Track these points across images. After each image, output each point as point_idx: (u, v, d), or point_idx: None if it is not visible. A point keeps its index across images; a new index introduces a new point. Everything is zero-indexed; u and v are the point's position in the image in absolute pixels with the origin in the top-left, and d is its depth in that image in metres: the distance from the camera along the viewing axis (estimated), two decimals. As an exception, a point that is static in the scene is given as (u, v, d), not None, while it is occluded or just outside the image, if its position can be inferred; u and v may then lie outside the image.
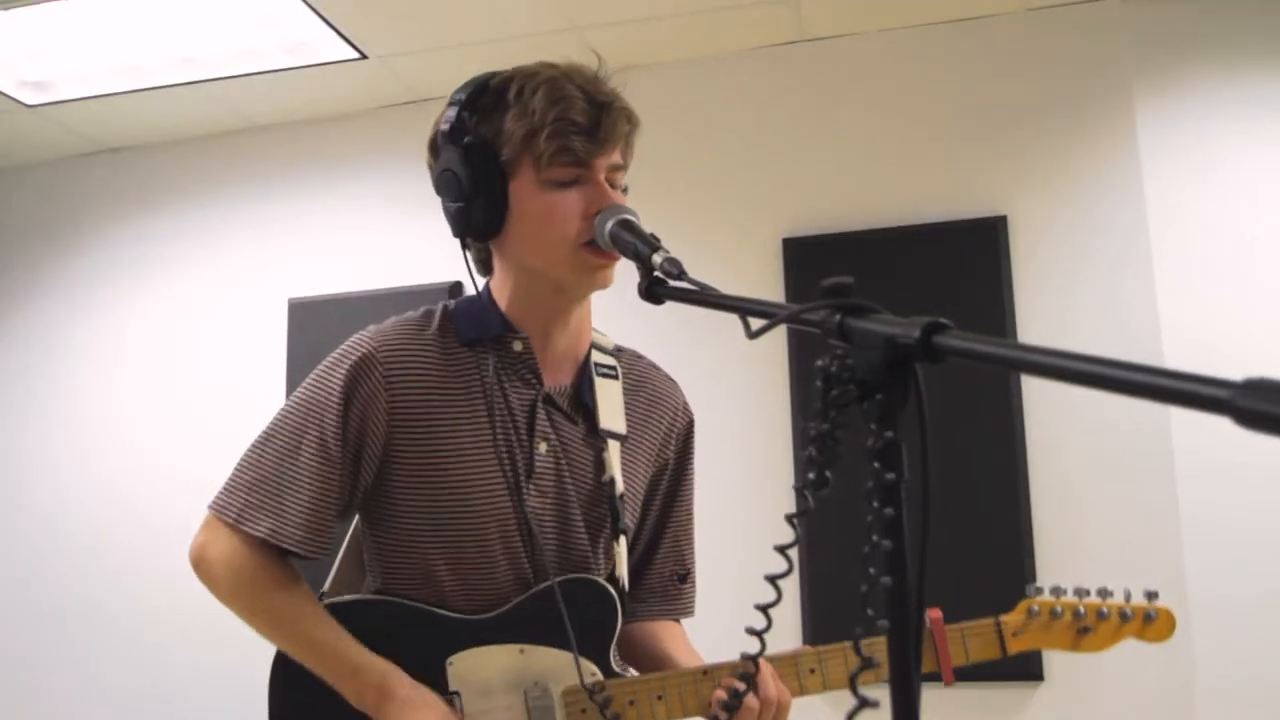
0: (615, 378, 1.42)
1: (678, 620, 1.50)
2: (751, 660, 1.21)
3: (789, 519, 0.82)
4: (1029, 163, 3.07)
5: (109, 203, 3.86)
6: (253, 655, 3.68)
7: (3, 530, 3.74)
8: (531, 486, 1.32)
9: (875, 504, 0.68)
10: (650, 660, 1.42)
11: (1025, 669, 2.78)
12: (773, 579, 0.99)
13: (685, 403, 1.52)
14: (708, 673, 1.30)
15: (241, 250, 3.70)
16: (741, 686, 1.24)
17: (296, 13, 3.02)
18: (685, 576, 1.49)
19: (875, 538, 0.68)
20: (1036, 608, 1.41)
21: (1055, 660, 2.79)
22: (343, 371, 1.30)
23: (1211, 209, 2.90)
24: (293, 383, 3.48)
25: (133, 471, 3.62)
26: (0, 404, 3.84)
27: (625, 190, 1.36)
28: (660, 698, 1.28)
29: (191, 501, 3.73)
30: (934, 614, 1.39)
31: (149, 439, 3.63)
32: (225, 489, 1.33)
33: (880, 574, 0.68)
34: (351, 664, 1.26)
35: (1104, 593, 1.42)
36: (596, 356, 1.41)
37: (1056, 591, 1.42)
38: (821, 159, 3.23)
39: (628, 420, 1.41)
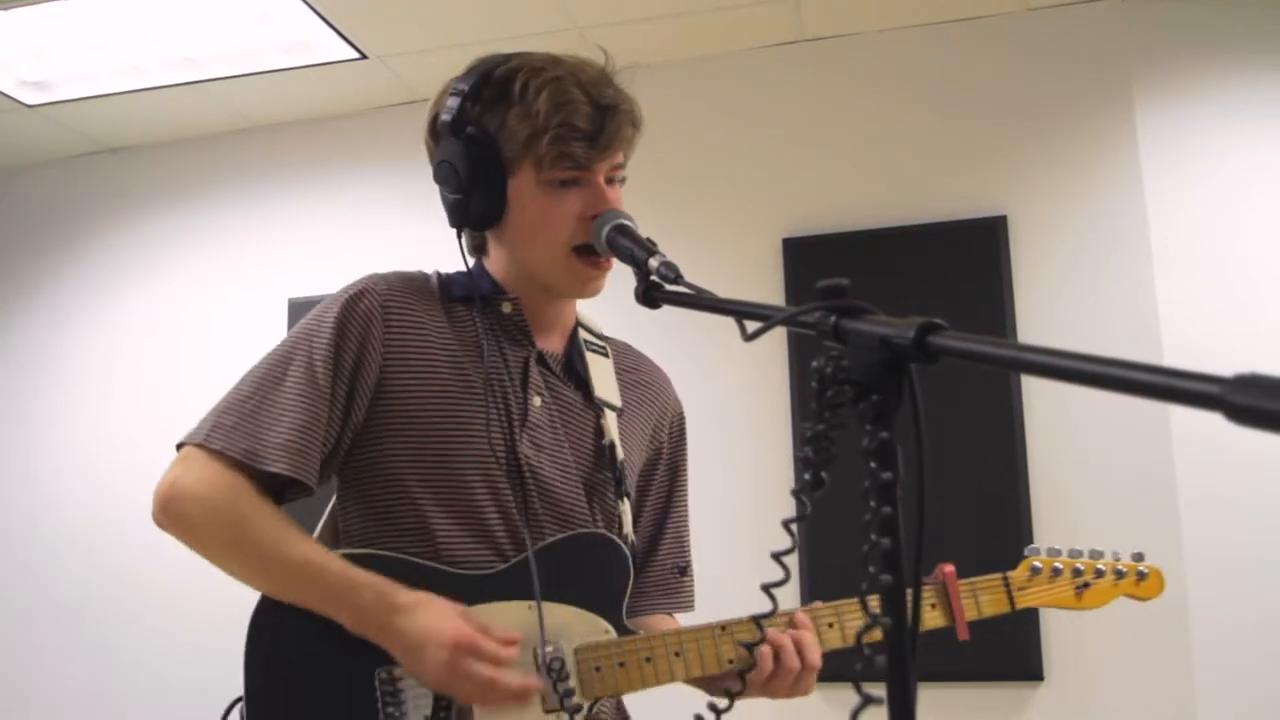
0: (605, 355, 1.45)
1: (672, 615, 1.49)
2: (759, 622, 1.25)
3: (785, 525, 0.82)
4: (1029, 163, 3.07)
5: (109, 203, 3.87)
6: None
7: (3, 528, 3.74)
8: (525, 436, 1.31)
9: (872, 504, 0.68)
10: None
11: (1025, 669, 2.78)
12: (768, 589, 0.98)
13: (675, 395, 1.54)
14: (725, 628, 1.29)
15: (241, 250, 3.70)
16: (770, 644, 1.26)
17: (296, 13, 3.02)
18: (685, 569, 1.49)
19: (873, 537, 0.68)
20: (1039, 565, 1.44)
21: (1055, 660, 2.79)
22: (339, 303, 1.29)
23: (1211, 209, 2.90)
24: (293, 383, 3.49)
25: (134, 470, 3.61)
26: (0, 402, 3.84)
27: (624, 180, 1.38)
28: (678, 654, 1.27)
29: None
30: (947, 569, 1.40)
31: (150, 438, 3.63)
32: (196, 424, 1.26)
33: (878, 573, 0.68)
34: (346, 580, 1.19)
35: (1095, 553, 1.46)
36: (584, 334, 1.44)
37: (1053, 552, 1.45)
38: (821, 159, 3.23)
39: (621, 395, 1.44)
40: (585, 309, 1.47)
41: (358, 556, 1.23)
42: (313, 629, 1.20)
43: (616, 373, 1.45)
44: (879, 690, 0.69)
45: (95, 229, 3.87)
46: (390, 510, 1.29)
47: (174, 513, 1.23)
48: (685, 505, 1.53)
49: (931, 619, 1.38)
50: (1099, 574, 1.45)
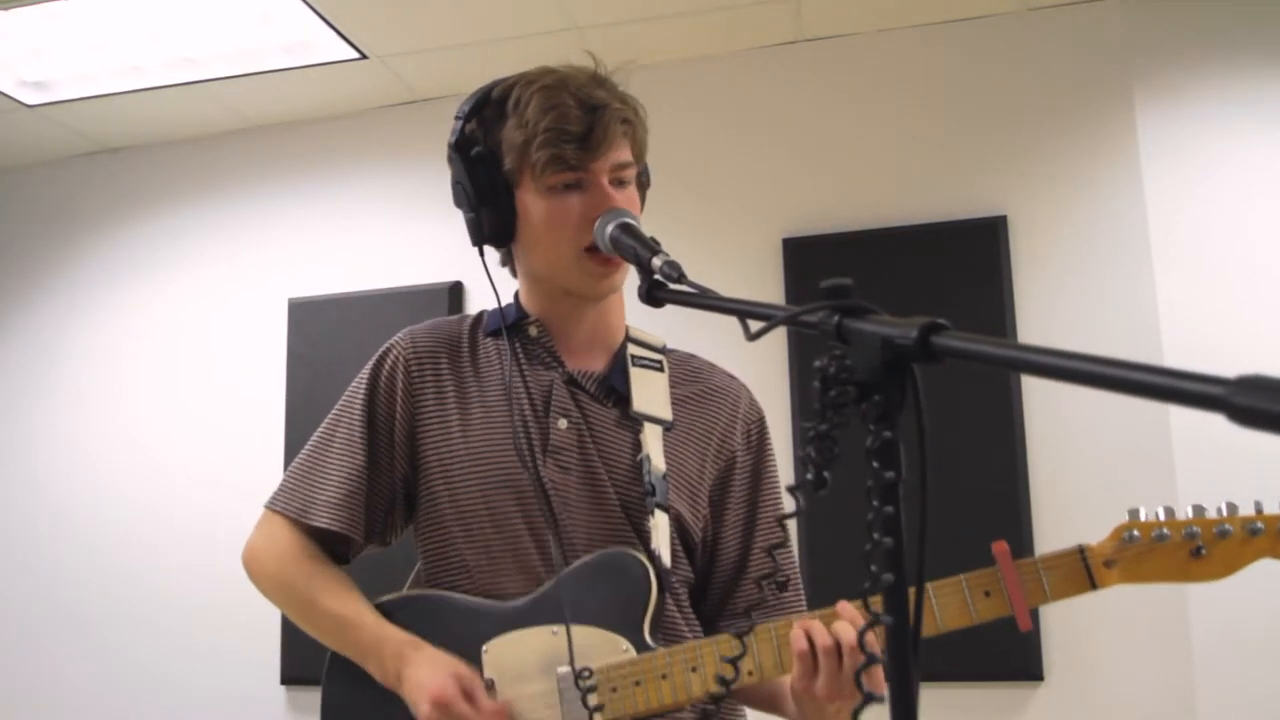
0: (659, 370, 1.43)
1: None
2: (748, 629, 1.16)
3: (779, 520, 0.82)
4: (1029, 163, 3.07)
5: (109, 203, 3.87)
6: (255, 653, 3.67)
7: (3, 528, 3.74)
8: (550, 460, 1.33)
9: (874, 503, 0.68)
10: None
11: (1025, 669, 2.78)
12: (764, 578, 0.99)
13: (752, 400, 1.49)
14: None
15: (242, 250, 3.70)
16: (826, 631, 1.14)
17: (296, 13, 3.02)
18: (785, 584, 1.40)
19: (875, 536, 0.68)
20: (1135, 532, 1.18)
21: (1055, 660, 2.79)
22: (369, 366, 1.43)
23: (1211, 209, 2.90)
24: (292, 382, 3.50)
25: (133, 470, 3.63)
26: (0, 402, 3.84)
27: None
28: (695, 669, 1.23)
29: (191, 499, 3.75)
30: (999, 547, 1.20)
31: (149, 438, 3.64)
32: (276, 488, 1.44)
33: (879, 573, 0.68)
34: (374, 636, 1.30)
35: (1230, 507, 1.20)
36: (635, 349, 1.43)
37: (1168, 512, 1.20)
38: (821, 159, 3.23)
39: (674, 409, 1.41)
40: (642, 323, 1.46)
41: (400, 599, 1.35)
42: (368, 679, 1.30)
43: (671, 386, 1.43)
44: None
45: (95, 229, 3.86)
46: (438, 551, 1.37)
47: (250, 574, 1.41)
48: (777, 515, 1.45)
49: (987, 609, 1.21)
50: (1222, 534, 1.17)
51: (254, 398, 3.54)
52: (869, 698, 0.70)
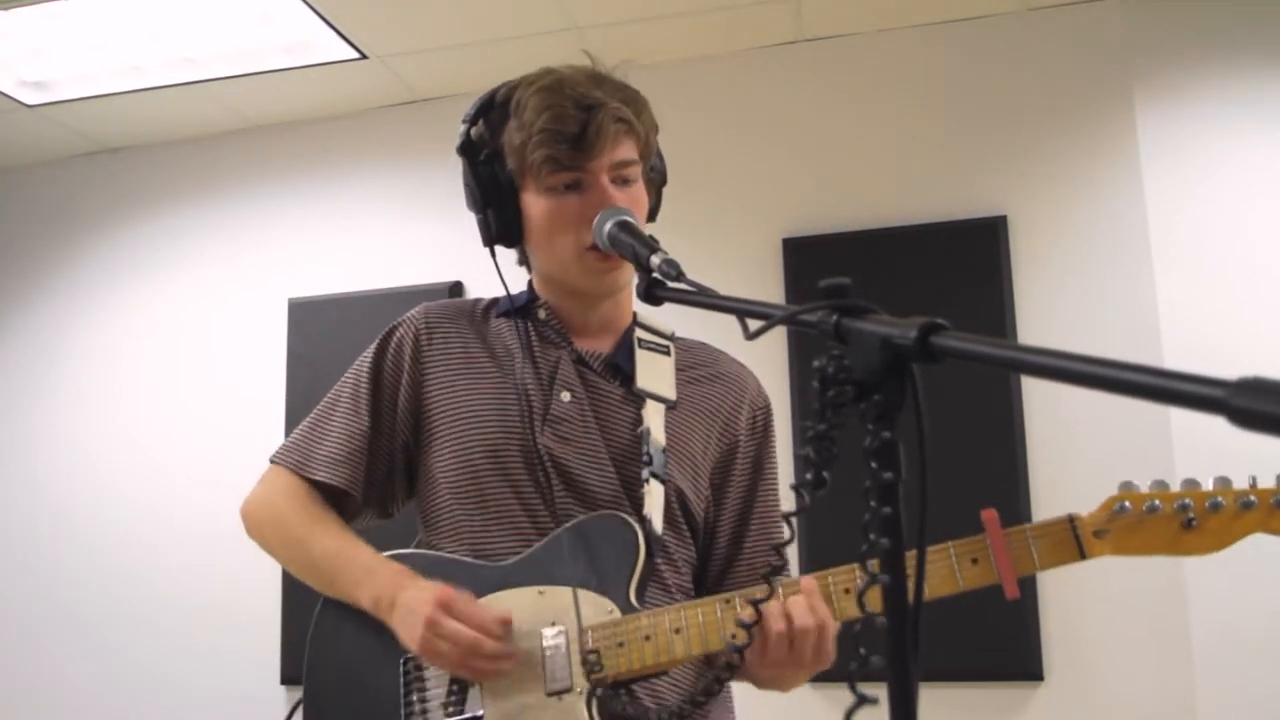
0: (666, 354, 1.46)
1: None
2: (767, 589, 1.15)
3: (785, 517, 0.82)
4: (1029, 163, 3.07)
5: (109, 203, 3.87)
6: (255, 653, 3.67)
7: (3, 528, 3.74)
8: (549, 429, 1.35)
9: (872, 504, 0.68)
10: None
11: (1025, 669, 2.78)
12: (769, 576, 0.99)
13: (759, 387, 1.50)
14: (730, 601, 1.24)
15: (241, 250, 3.70)
16: (755, 614, 1.16)
17: (296, 13, 3.02)
18: (780, 569, 1.39)
19: (873, 536, 0.68)
20: (1126, 504, 1.17)
21: (1055, 660, 2.79)
22: (380, 335, 1.46)
23: (1211, 209, 2.90)
24: (292, 382, 3.50)
25: (133, 470, 3.62)
26: (0, 402, 3.84)
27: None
28: (678, 631, 1.24)
29: (191, 499, 3.75)
30: (988, 514, 1.19)
31: (149, 438, 3.64)
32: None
33: (878, 573, 0.68)
34: (366, 565, 1.31)
35: (1223, 481, 1.17)
36: (642, 333, 1.46)
37: (1158, 484, 1.19)
38: (821, 159, 3.23)
39: (679, 390, 1.43)
40: (651, 312, 1.45)
41: (390, 555, 1.35)
42: (357, 626, 1.32)
43: (677, 369, 1.45)
44: (877, 690, 0.69)
45: (95, 229, 3.86)
46: (435, 514, 1.39)
47: (245, 521, 1.44)
48: (774, 502, 1.47)
49: (974, 576, 1.20)
50: (1214, 507, 1.16)
51: (254, 398, 3.54)
52: (861, 699, 0.70)
